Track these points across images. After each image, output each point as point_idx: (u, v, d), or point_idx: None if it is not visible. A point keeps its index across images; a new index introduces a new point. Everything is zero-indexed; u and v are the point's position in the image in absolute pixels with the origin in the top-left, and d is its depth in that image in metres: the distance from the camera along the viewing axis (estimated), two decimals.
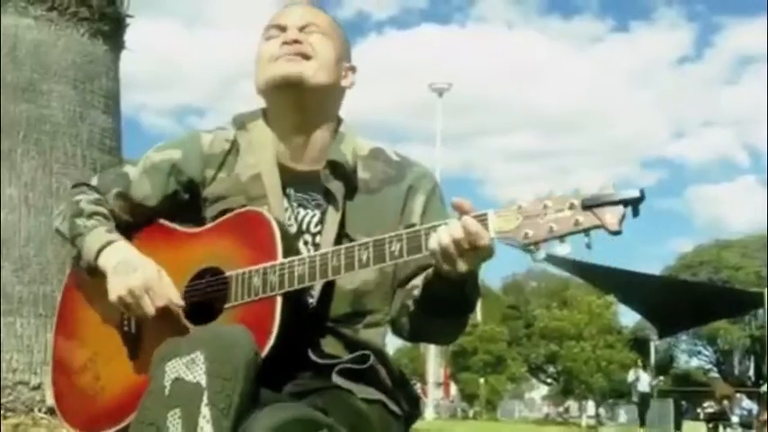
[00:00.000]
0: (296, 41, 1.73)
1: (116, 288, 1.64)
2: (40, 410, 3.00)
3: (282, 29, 1.76)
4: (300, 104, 1.74)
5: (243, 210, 1.68)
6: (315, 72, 1.72)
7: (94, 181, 1.83)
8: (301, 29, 1.75)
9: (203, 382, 1.39)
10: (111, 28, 3.45)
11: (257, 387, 1.44)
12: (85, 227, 1.72)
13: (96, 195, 1.79)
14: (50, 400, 2.99)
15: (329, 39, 1.77)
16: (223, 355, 1.41)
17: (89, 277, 1.74)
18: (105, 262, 1.68)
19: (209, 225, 1.73)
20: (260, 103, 1.82)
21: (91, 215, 1.74)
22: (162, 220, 1.78)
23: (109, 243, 1.70)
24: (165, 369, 1.42)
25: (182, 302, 1.64)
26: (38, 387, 3.03)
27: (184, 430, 1.36)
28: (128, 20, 3.58)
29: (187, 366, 1.41)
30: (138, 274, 1.64)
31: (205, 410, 1.37)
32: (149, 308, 1.62)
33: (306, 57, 1.72)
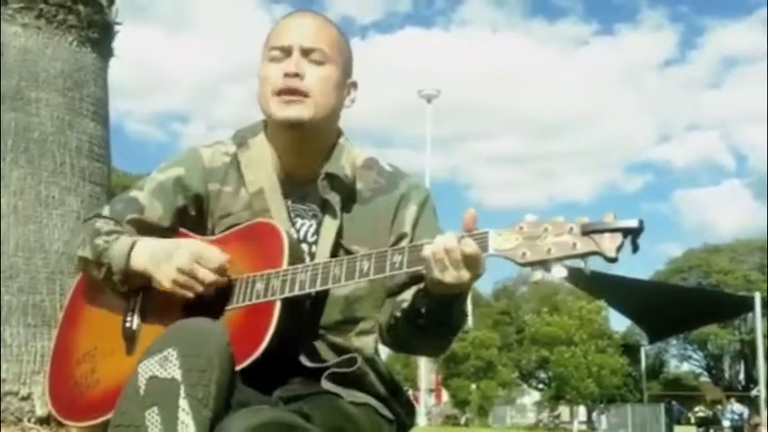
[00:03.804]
0: (296, 75, 1.73)
1: (166, 274, 1.66)
2: (29, 421, 2.98)
3: (287, 51, 1.75)
4: (301, 138, 1.78)
5: (255, 221, 1.73)
6: (313, 113, 1.74)
7: (105, 211, 1.85)
8: (305, 53, 1.75)
9: (179, 377, 1.40)
10: (99, 35, 3.43)
11: (233, 375, 1.47)
12: (107, 242, 1.75)
13: (111, 221, 1.81)
14: (40, 411, 2.97)
15: (332, 63, 1.77)
16: (196, 349, 1.43)
17: (120, 286, 1.75)
18: (137, 260, 1.70)
19: (221, 234, 1.77)
20: (250, 111, 1.84)
21: (110, 233, 1.77)
22: (181, 228, 1.82)
23: (135, 243, 1.72)
24: (139, 370, 1.44)
25: (228, 257, 1.68)
26: (27, 397, 3.00)
27: (164, 426, 1.37)
28: (116, 27, 3.57)
29: (160, 364, 1.42)
30: (180, 252, 1.66)
31: (183, 403, 1.39)
32: (208, 276, 1.65)
33: (305, 95, 1.73)
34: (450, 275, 1.53)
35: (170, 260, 1.66)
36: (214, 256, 1.66)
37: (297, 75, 1.73)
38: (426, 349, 1.85)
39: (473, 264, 1.53)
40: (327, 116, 1.77)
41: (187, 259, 1.65)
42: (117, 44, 3.58)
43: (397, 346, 1.81)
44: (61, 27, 3.30)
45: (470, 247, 1.51)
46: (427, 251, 1.54)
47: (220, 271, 1.66)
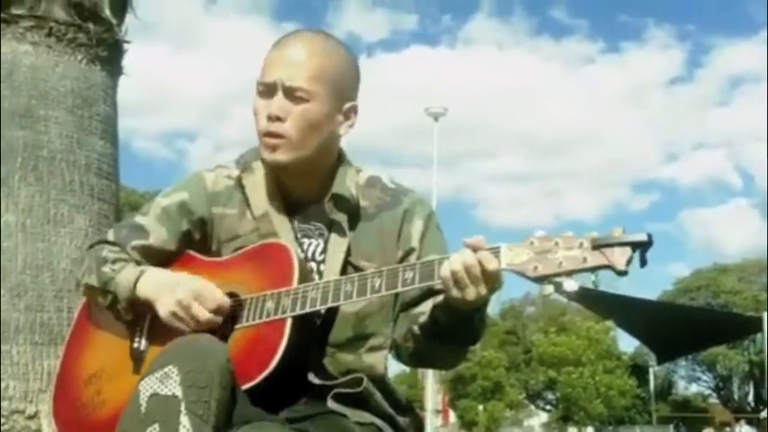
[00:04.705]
0: (277, 118, 1.72)
1: (166, 305, 1.67)
2: None
3: (272, 88, 1.74)
4: (291, 174, 1.80)
5: (264, 241, 1.74)
6: (293, 155, 1.74)
7: (110, 236, 1.85)
8: (287, 91, 1.73)
9: (179, 394, 1.41)
10: (108, 54, 3.45)
11: (233, 392, 1.47)
12: (113, 270, 1.75)
13: (117, 248, 1.81)
14: (47, 430, 2.96)
15: (316, 99, 1.74)
16: (196, 365, 1.43)
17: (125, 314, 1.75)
18: (144, 289, 1.71)
19: (230, 255, 1.77)
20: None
21: (116, 261, 1.77)
22: (190, 251, 1.82)
23: (142, 273, 1.73)
24: (140, 388, 1.44)
25: (229, 301, 1.68)
26: (34, 416, 2.99)
27: None
28: (125, 46, 3.59)
29: (161, 381, 1.43)
30: (183, 286, 1.67)
31: (184, 420, 1.39)
32: (202, 314, 1.65)
33: (282, 137, 1.73)
34: (471, 293, 1.54)
35: (172, 292, 1.67)
36: (214, 296, 1.67)
37: (278, 118, 1.73)
38: (446, 360, 1.86)
39: (492, 278, 1.54)
40: (315, 152, 1.76)
41: (187, 294, 1.66)
42: (126, 62, 3.60)
43: (415, 360, 1.81)
44: (71, 45, 3.32)
45: (489, 261, 1.53)
46: (446, 270, 1.55)
47: (218, 311, 1.67)
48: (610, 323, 31.35)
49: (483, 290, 1.54)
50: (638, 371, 37.41)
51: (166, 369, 1.43)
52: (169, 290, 1.68)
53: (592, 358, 36.13)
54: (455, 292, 1.55)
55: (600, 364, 36.12)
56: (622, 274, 1.45)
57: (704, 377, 47.01)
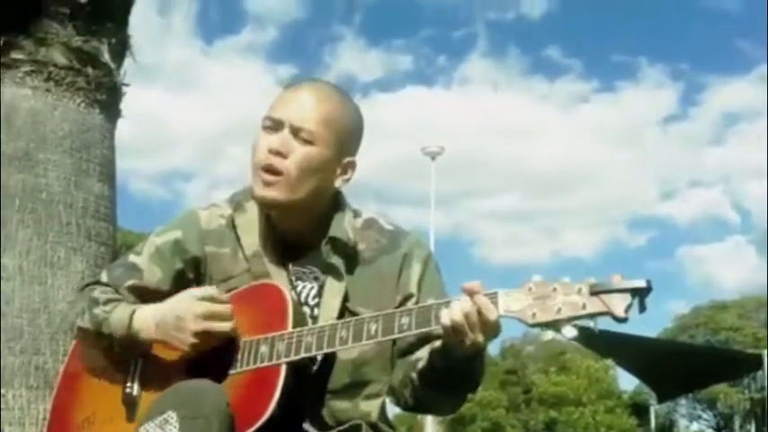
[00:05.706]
0: (278, 153, 1.73)
1: (181, 341, 1.66)
2: None
3: (278, 124, 1.75)
4: (280, 215, 1.79)
5: (258, 283, 1.73)
6: (288, 195, 1.74)
7: (104, 277, 1.85)
8: (294, 131, 1.74)
9: None
10: (107, 97, 3.48)
11: None
12: (105, 311, 1.74)
13: (110, 289, 1.81)
14: None
15: (321, 144, 1.75)
16: (195, 411, 1.43)
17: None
18: (141, 323, 1.70)
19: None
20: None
21: (107, 302, 1.76)
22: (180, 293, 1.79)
23: (133, 312, 1.72)
24: None
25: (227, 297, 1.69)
26: None
27: None
28: (124, 89, 3.61)
29: (160, 427, 1.43)
30: (187, 318, 1.66)
31: None
32: (226, 327, 1.66)
33: (280, 174, 1.73)
34: (469, 340, 1.55)
35: (181, 326, 1.65)
36: (222, 308, 1.67)
37: (279, 153, 1.73)
38: (445, 407, 1.84)
39: (491, 326, 1.54)
40: (307, 197, 1.76)
41: (196, 319, 1.64)
42: (124, 105, 3.63)
43: (413, 406, 1.79)
44: (70, 89, 3.34)
45: (488, 309, 1.52)
46: (446, 319, 1.54)
47: (232, 317, 1.67)
48: (610, 362, 31.15)
49: (480, 337, 1.55)
50: (639, 410, 37.08)
51: (165, 415, 1.43)
52: (175, 326, 1.66)
53: (592, 398, 35.86)
54: (453, 340, 1.55)
55: (601, 403, 35.83)
56: (622, 321, 1.44)
57: (705, 415, 46.59)
